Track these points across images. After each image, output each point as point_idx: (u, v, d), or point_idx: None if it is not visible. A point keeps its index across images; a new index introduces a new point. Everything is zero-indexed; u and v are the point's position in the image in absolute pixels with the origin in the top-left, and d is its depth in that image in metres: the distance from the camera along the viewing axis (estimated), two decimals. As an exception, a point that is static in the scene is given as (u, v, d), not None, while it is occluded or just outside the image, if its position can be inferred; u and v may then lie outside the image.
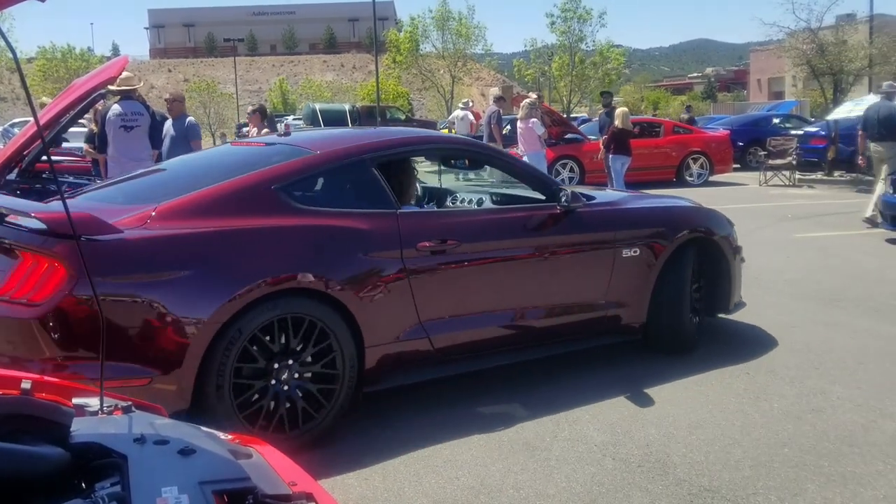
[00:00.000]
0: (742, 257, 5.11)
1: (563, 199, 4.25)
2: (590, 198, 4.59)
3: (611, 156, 12.17)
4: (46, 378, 1.45)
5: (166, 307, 3.08)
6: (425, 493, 3.00)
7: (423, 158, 5.61)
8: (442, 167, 5.69)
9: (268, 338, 3.29)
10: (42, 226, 2.98)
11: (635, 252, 4.46)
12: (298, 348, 3.37)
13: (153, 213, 3.27)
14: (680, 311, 4.60)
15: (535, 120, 11.00)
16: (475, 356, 4.00)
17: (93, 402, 1.38)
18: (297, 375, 3.37)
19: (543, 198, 4.40)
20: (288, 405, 3.34)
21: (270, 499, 1.10)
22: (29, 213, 3.04)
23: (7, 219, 3.19)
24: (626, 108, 12.60)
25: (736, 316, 5.35)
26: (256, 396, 3.28)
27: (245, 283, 3.20)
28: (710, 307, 5.00)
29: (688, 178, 15.49)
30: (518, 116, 11.47)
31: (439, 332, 3.77)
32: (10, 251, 3.19)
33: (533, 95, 14.03)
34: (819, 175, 16.57)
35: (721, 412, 3.77)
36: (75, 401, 1.38)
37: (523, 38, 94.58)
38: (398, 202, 3.88)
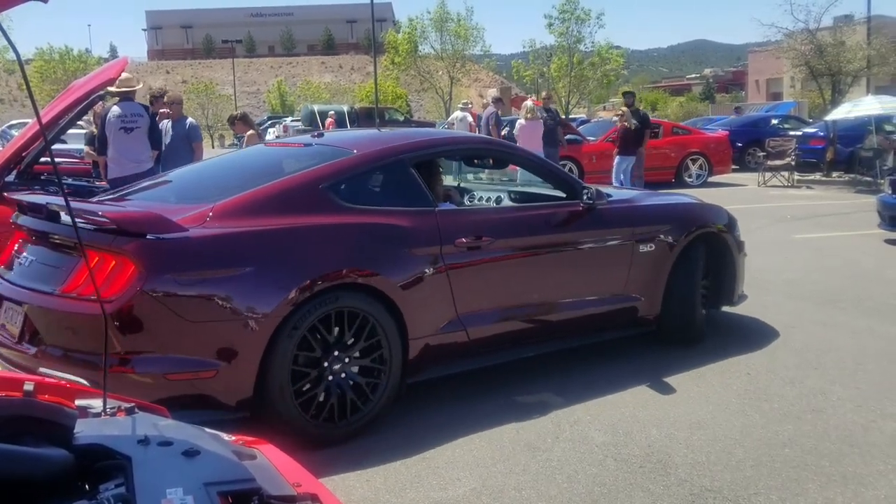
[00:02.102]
0: (744, 252, 5.23)
1: (586, 197, 4.37)
2: (608, 195, 4.71)
3: (616, 157, 12.30)
4: (48, 380, 1.45)
5: (230, 302, 3.18)
6: (427, 494, 3.00)
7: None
8: (463, 166, 5.77)
9: (320, 332, 3.39)
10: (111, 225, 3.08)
11: (651, 247, 4.61)
12: (349, 341, 3.47)
13: (210, 213, 3.34)
14: (692, 304, 4.75)
15: (540, 121, 11.49)
16: (505, 348, 4.13)
17: (96, 404, 1.38)
18: (348, 367, 3.47)
19: (564, 195, 4.51)
20: (338, 392, 3.43)
21: (275, 500, 1.10)
22: (97, 213, 3.13)
23: (63, 217, 3.26)
24: (626, 108, 12.56)
25: (736, 316, 5.37)
26: (310, 386, 3.37)
27: (304, 278, 3.32)
28: (716, 300, 5.14)
29: (686, 178, 15.48)
30: (525, 117, 11.54)
31: (474, 325, 3.91)
32: (69, 248, 3.28)
33: (543, 93, 14.20)
34: (818, 176, 16.59)
35: (722, 412, 3.77)
36: (78, 402, 1.37)
37: (522, 39, 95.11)
38: (434, 200, 3.99)
